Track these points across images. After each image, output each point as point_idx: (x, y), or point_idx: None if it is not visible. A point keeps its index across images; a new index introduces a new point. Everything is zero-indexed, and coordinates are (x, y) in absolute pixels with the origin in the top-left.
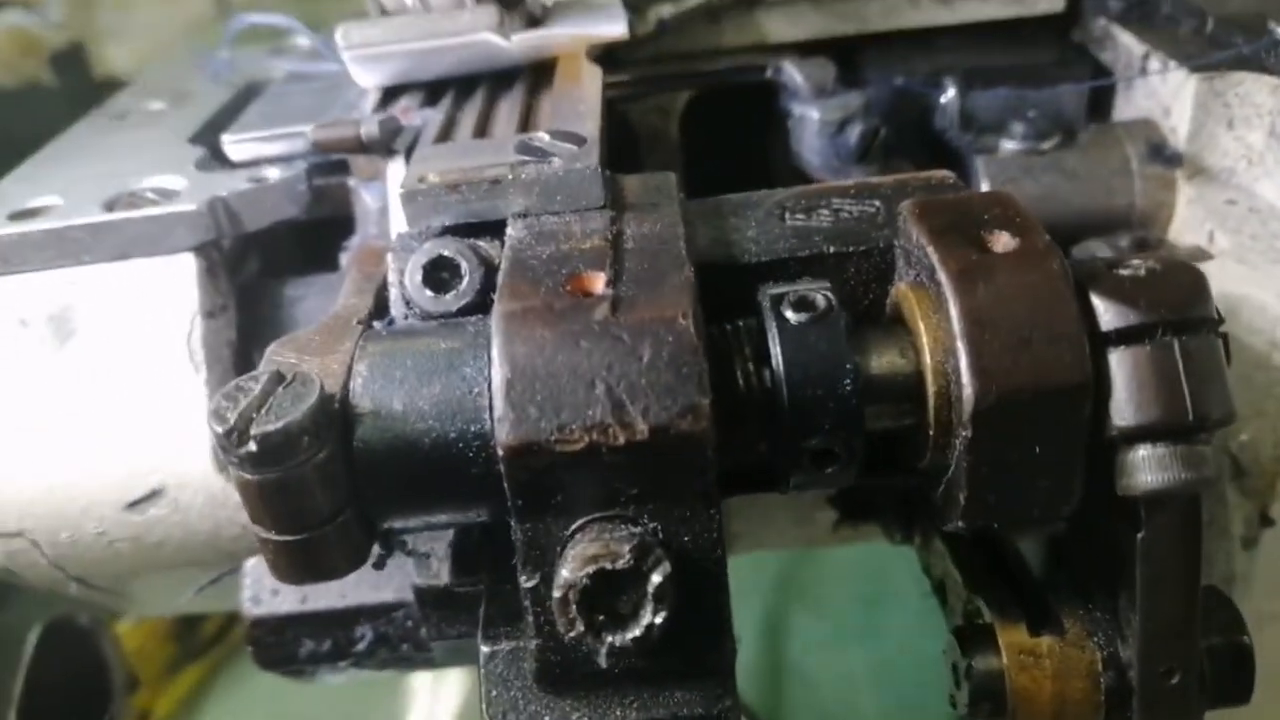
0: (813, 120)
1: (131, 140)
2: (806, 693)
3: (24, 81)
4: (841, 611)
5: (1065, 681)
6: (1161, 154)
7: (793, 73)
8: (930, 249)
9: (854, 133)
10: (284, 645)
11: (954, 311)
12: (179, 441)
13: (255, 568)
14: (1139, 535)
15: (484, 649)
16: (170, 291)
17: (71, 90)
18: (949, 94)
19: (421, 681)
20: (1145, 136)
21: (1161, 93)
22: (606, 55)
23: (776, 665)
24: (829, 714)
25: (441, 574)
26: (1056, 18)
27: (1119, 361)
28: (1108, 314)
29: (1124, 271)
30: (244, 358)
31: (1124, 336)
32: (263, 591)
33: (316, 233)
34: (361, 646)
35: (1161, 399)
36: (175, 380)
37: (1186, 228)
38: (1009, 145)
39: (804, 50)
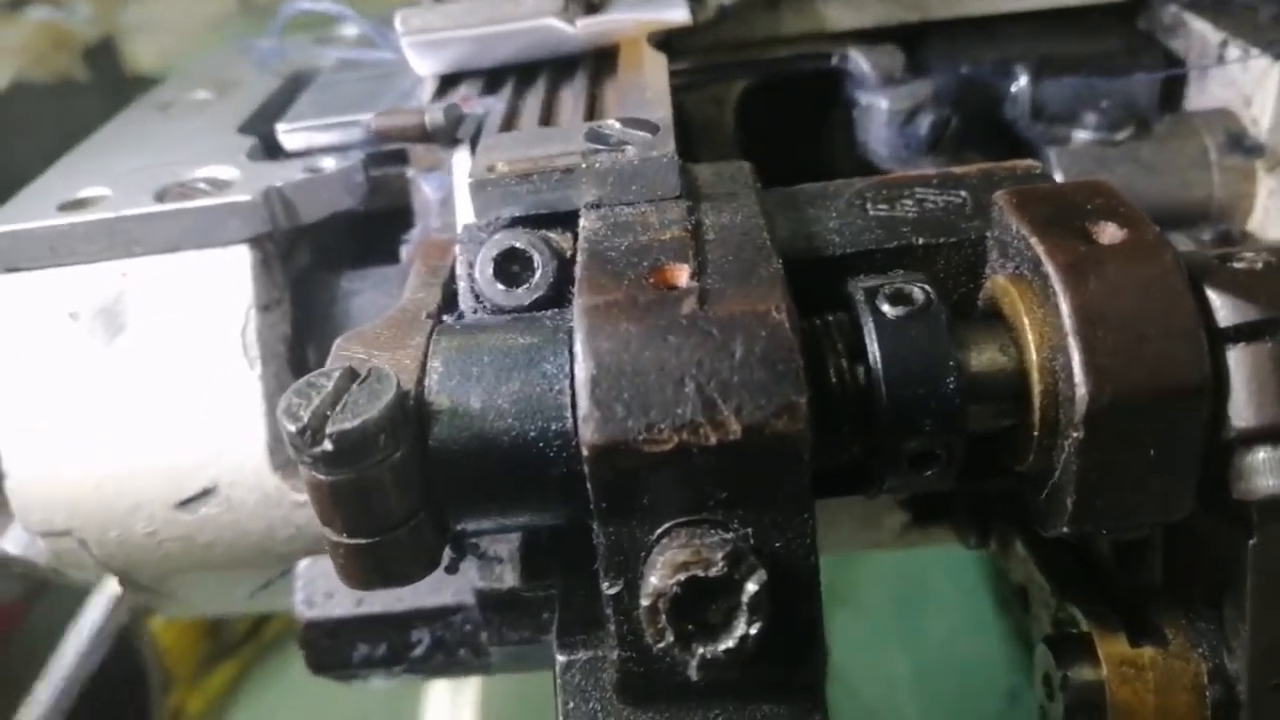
0: (881, 109)
1: (179, 130)
2: (848, 696)
3: (56, 76)
4: (882, 614)
5: (1169, 695)
6: (1241, 144)
7: (859, 60)
8: (1034, 240)
9: (924, 122)
10: (338, 649)
11: (1064, 306)
12: (232, 438)
13: (309, 569)
14: (1251, 542)
15: (560, 658)
16: (224, 284)
17: (104, 85)
18: (1021, 82)
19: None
20: (1224, 126)
21: (1242, 81)
22: (664, 44)
23: None
24: (871, 717)
25: (505, 577)
26: (1124, 5)
27: (1238, 359)
28: (1225, 309)
29: (1238, 265)
30: (298, 353)
31: (1242, 333)
32: (316, 594)
33: (370, 225)
34: (418, 651)
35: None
36: (229, 375)
37: (1269, 220)
38: (1082, 135)
39: (865, 39)
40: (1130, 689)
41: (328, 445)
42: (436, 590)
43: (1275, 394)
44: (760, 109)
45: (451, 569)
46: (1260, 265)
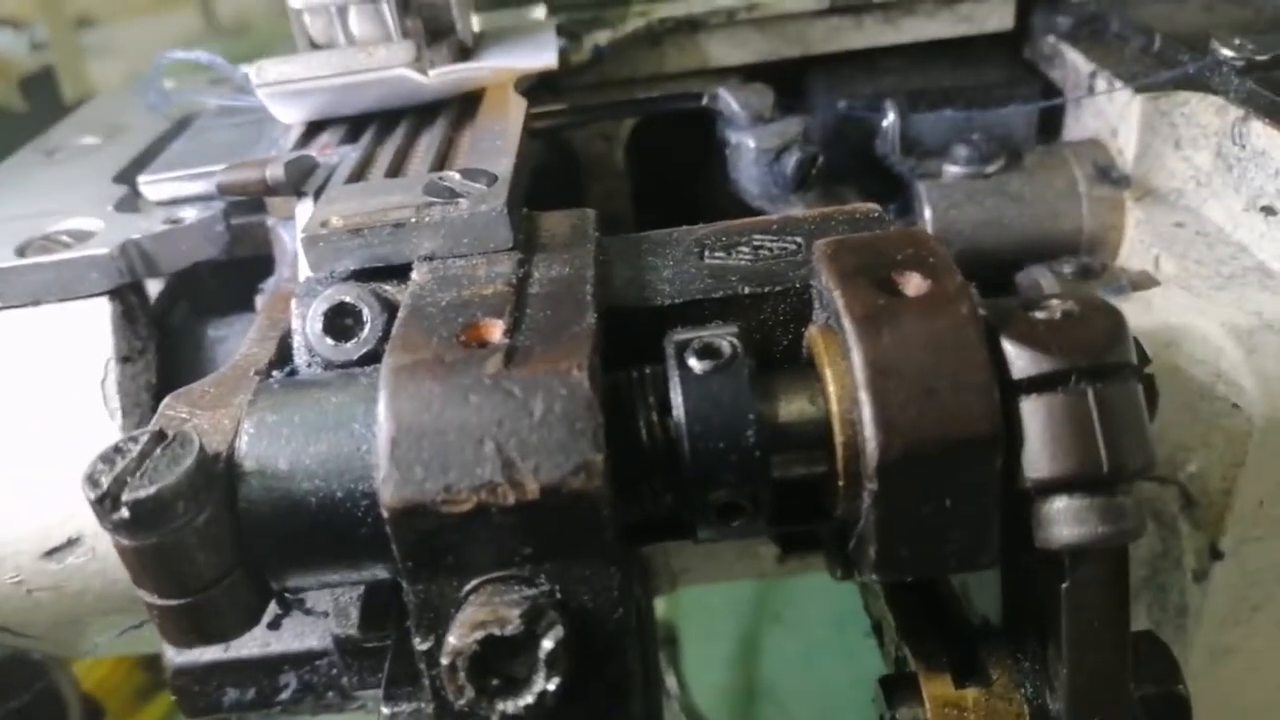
0: (749, 148)
1: (56, 178)
2: (782, 713)
3: None
4: (816, 630)
5: None
6: (1109, 175)
7: (729, 100)
8: (836, 292)
9: (790, 161)
10: (208, 694)
11: (856, 359)
12: None
13: None
14: (1064, 586)
15: (384, 710)
16: (84, 337)
17: (40, 114)
18: (889, 118)
19: None
20: (1092, 158)
21: (1109, 112)
22: (544, 83)
23: (751, 686)
24: None
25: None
26: (1006, 36)
27: (1031, 410)
28: (1020, 360)
29: (1039, 314)
30: None
31: (1036, 384)
32: None
33: (244, 272)
34: (286, 695)
35: (1075, 450)
36: (90, 427)
37: (1134, 251)
38: (952, 169)
39: (749, 74)
40: None
41: (124, 513)
42: (302, 635)
43: (1067, 445)
44: (650, 143)
45: (274, 625)
46: (1059, 315)
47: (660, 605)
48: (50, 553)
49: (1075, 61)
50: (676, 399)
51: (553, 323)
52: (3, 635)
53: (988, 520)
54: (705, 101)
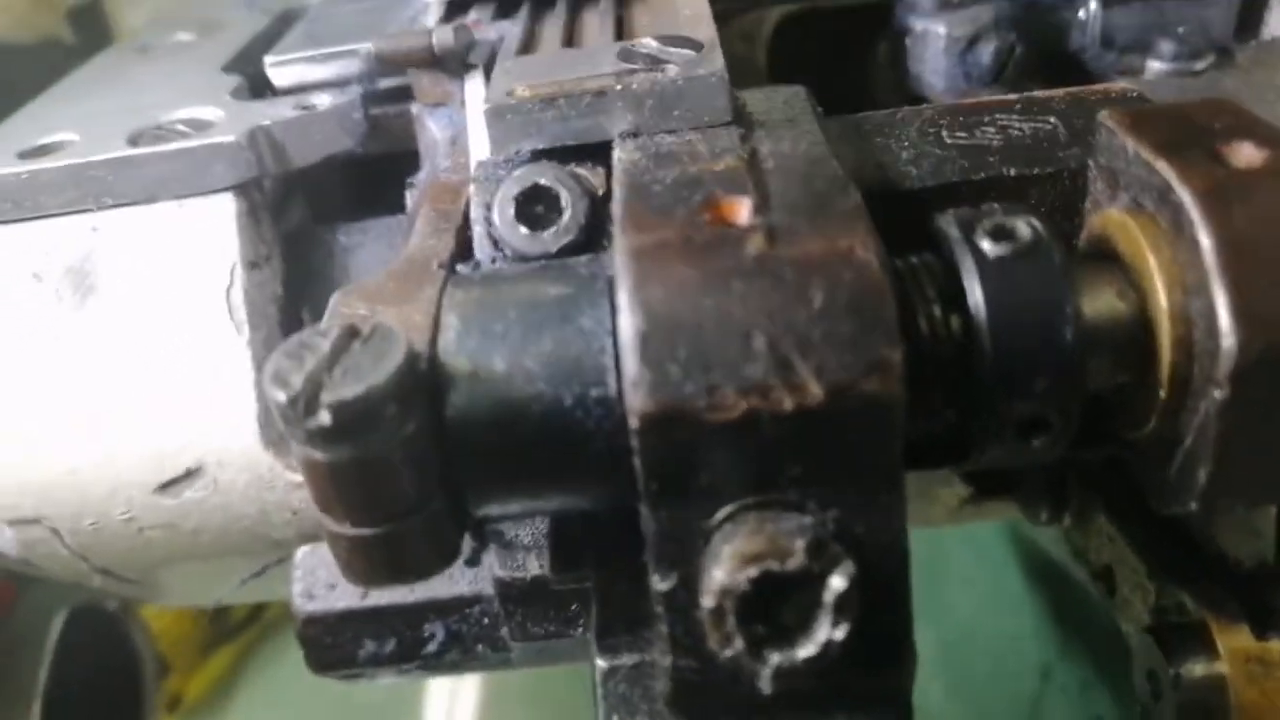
0: (939, 36)
1: (158, 71)
2: None
3: (41, 38)
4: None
5: None
6: None
7: None
8: (1161, 164)
9: (986, 50)
10: (342, 646)
11: (1206, 241)
12: (219, 413)
13: (308, 558)
14: None
15: (601, 663)
16: (207, 238)
17: (90, 48)
18: (1090, 7)
19: None
20: None
21: None
22: None
23: None
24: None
25: (529, 565)
26: None
27: None
28: None
29: None
30: (292, 316)
31: None
32: (317, 585)
33: (371, 172)
34: (431, 647)
35: None
36: (213, 342)
37: None
38: (1157, 66)
39: None
40: (1259, 689)
41: (324, 417)
42: (451, 579)
43: None
44: (793, 43)
45: (473, 561)
46: None
47: None
48: (165, 485)
49: None
50: (973, 289)
51: (808, 200)
52: (105, 579)
53: None
54: None
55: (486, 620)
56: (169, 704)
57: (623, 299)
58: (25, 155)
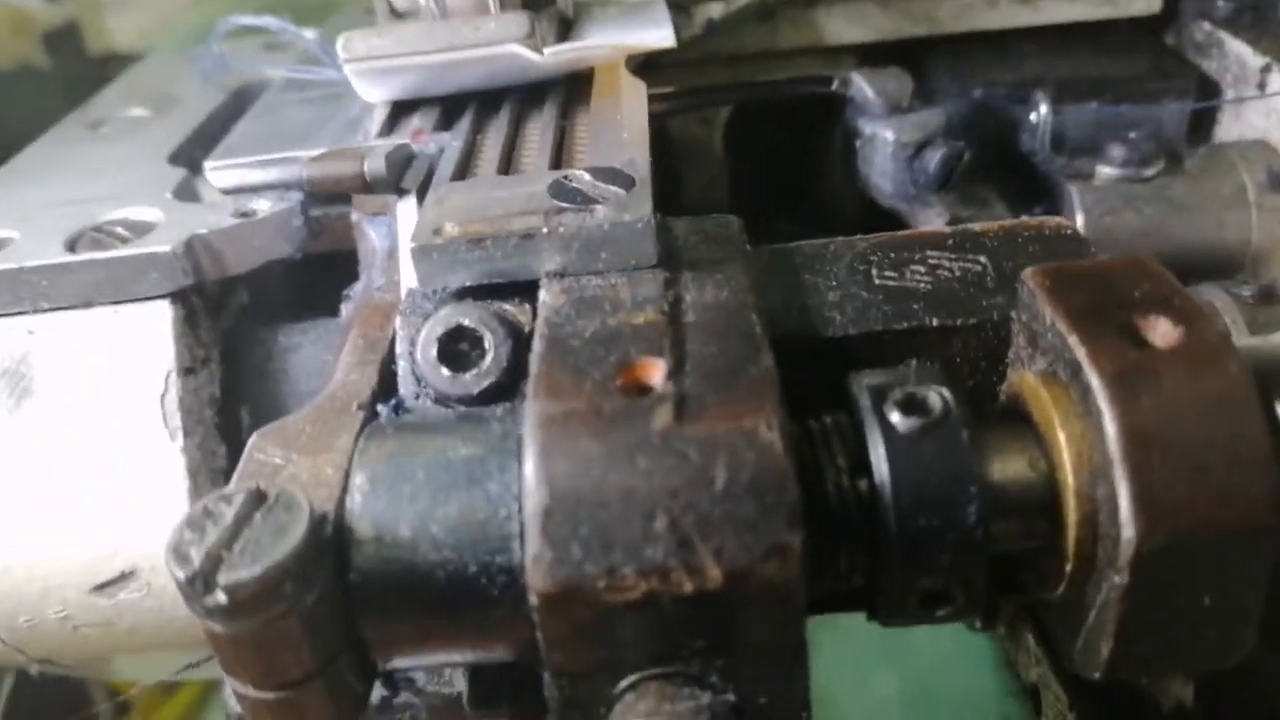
0: (887, 141)
1: (105, 156)
2: (833, 718)
3: (16, 62)
4: (868, 636)
5: None
6: None
7: (863, 86)
8: (1073, 340)
9: (934, 158)
10: None
11: (1111, 427)
12: (153, 518)
13: None
14: None
15: None
16: (142, 345)
17: (65, 71)
18: (1041, 110)
19: None
20: (1265, 161)
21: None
22: (646, 61)
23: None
24: None
25: (456, 682)
26: (1151, 20)
27: None
28: None
29: None
30: (230, 418)
31: None
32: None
33: (317, 267)
34: None
35: None
36: (147, 448)
37: None
38: (1107, 171)
39: (866, 54)
40: None
41: (220, 597)
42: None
43: None
44: (750, 128)
45: (384, 709)
46: None
47: None
48: (100, 587)
49: (1240, 53)
50: (879, 465)
51: (723, 362)
52: (45, 666)
53: (1249, 613)
54: (835, 86)
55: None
56: None
57: (528, 471)
58: None
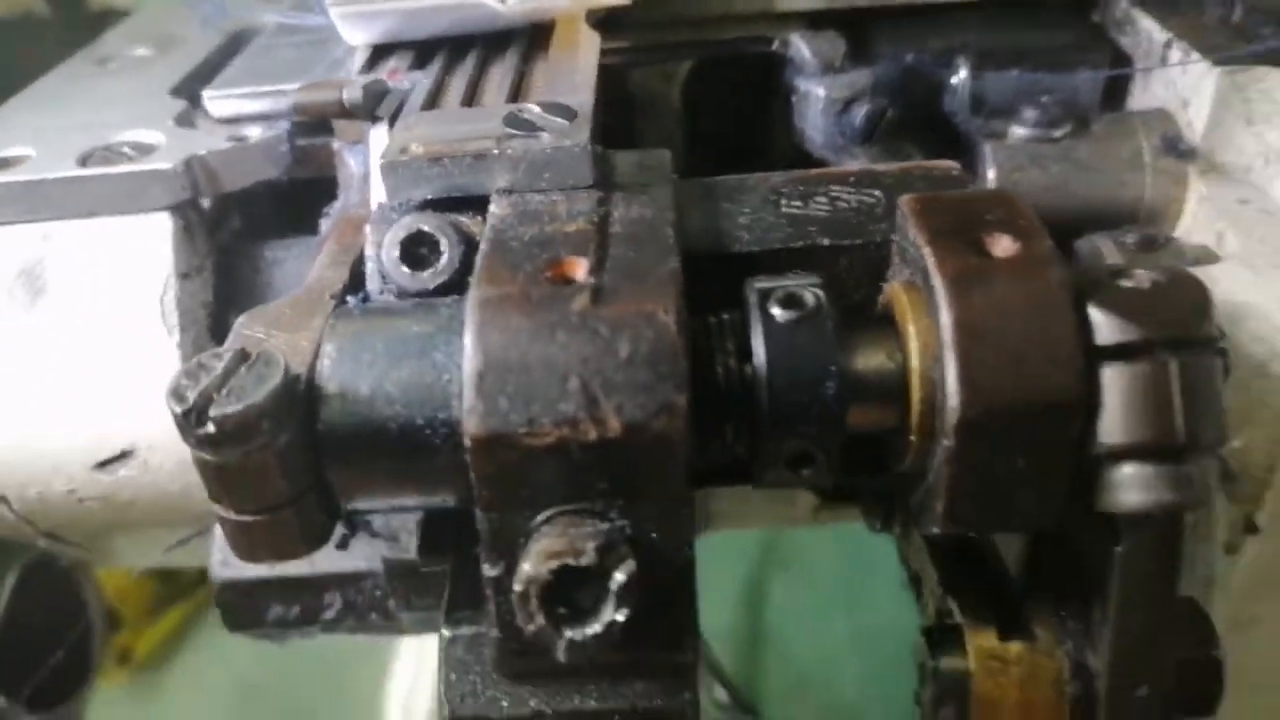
0: (818, 97)
1: (112, 89)
2: (784, 660)
3: (17, 12)
4: (823, 580)
5: (1032, 689)
6: (1176, 148)
7: (800, 46)
8: (926, 250)
9: (859, 113)
10: (252, 609)
11: (945, 318)
12: (149, 404)
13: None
14: (1118, 550)
15: (445, 633)
16: (144, 251)
17: (66, 21)
18: (960, 75)
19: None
20: (1161, 129)
21: (1181, 84)
22: (609, 18)
23: (756, 633)
24: (806, 681)
25: (411, 548)
26: None
27: (1112, 378)
28: (1105, 328)
29: (1126, 283)
30: (220, 320)
31: (1119, 352)
32: (232, 555)
33: (302, 192)
34: (329, 614)
35: (1152, 419)
36: (148, 342)
37: (1196, 226)
38: (1019, 131)
39: (815, 21)
40: (994, 681)
41: (210, 428)
42: (348, 556)
43: (1144, 413)
44: (709, 86)
45: (342, 545)
46: (1148, 285)
47: None
48: (102, 464)
49: (1149, 29)
50: (758, 347)
51: (637, 263)
52: (50, 541)
53: (1057, 483)
54: (775, 46)
55: (378, 593)
56: (120, 657)
57: (467, 341)
58: None
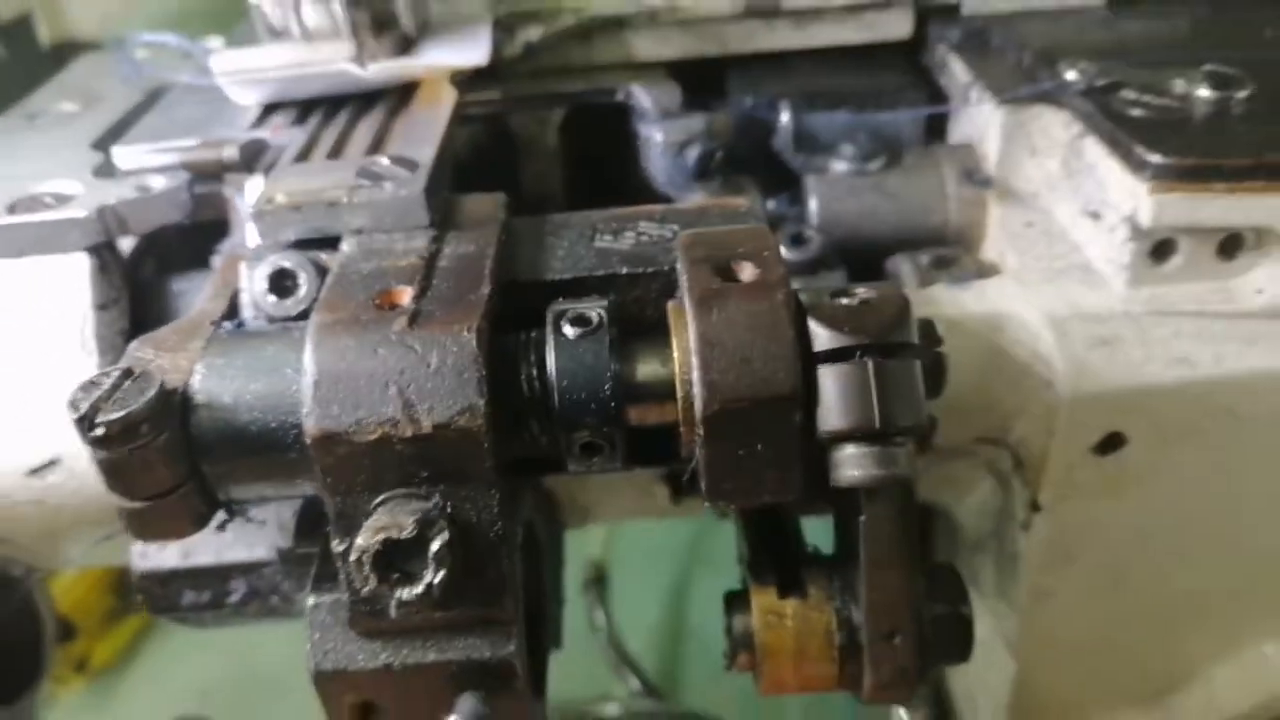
0: (657, 141)
1: (39, 143)
2: (706, 656)
3: None
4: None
5: (805, 639)
6: (973, 177)
7: (641, 96)
8: (684, 276)
9: (693, 154)
10: (168, 595)
11: (691, 332)
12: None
13: None
14: (860, 519)
15: (311, 600)
16: (65, 287)
17: (20, 61)
18: (784, 117)
19: None
20: (961, 161)
21: (979, 120)
22: (485, 69)
23: (677, 628)
24: (726, 675)
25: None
26: (906, 44)
27: (826, 376)
28: (820, 337)
29: (842, 300)
30: None
31: (831, 356)
32: (150, 548)
33: (204, 232)
34: (235, 598)
35: (856, 408)
36: (70, 364)
37: (991, 245)
38: (838, 166)
39: (673, 68)
40: (773, 633)
41: (99, 431)
42: (251, 546)
43: (853, 403)
44: (579, 129)
45: (221, 528)
46: (857, 302)
47: (594, 545)
48: (34, 471)
49: (958, 71)
50: (550, 358)
51: (453, 292)
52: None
53: (790, 462)
54: (620, 97)
55: (277, 577)
56: (76, 665)
57: (306, 357)
58: None
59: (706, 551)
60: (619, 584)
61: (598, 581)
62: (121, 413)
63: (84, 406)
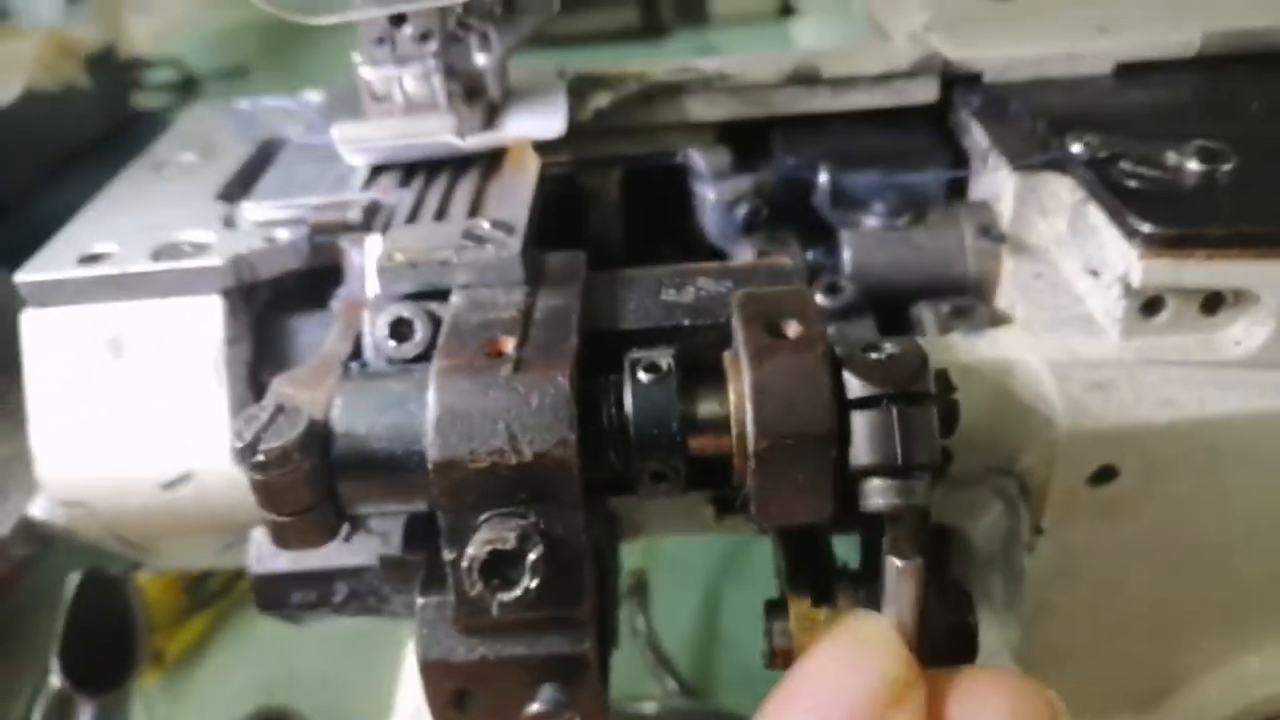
0: (710, 199)
1: (169, 191)
2: (736, 659)
3: (62, 84)
4: (772, 590)
5: None
6: (989, 233)
7: (697, 159)
8: (739, 332)
9: (741, 211)
10: (279, 595)
11: (746, 381)
12: (205, 438)
13: (260, 535)
14: (885, 539)
15: (420, 600)
16: (201, 324)
17: (103, 90)
18: (823, 178)
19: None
20: (979, 218)
21: (995, 182)
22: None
23: (711, 635)
24: (755, 678)
25: (397, 547)
26: (934, 107)
27: (857, 420)
28: (852, 386)
29: (872, 355)
30: (256, 374)
31: (861, 403)
32: (265, 553)
33: (318, 278)
34: (338, 598)
35: (880, 448)
36: (204, 391)
37: (1004, 295)
38: (870, 221)
39: (724, 129)
40: (809, 636)
41: (260, 458)
42: (354, 554)
43: (879, 443)
44: (640, 185)
45: (348, 539)
46: (885, 356)
47: (635, 557)
48: (168, 485)
49: (978, 136)
50: (627, 400)
51: (548, 341)
52: (122, 545)
53: (826, 490)
54: (678, 159)
55: (375, 581)
56: (152, 659)
57: (430, 397)
58: (83, 261)
59: (738, 566)
60: (658, 593)
61: (638, 589)
62: (279, 443)
63: (248, 435)
